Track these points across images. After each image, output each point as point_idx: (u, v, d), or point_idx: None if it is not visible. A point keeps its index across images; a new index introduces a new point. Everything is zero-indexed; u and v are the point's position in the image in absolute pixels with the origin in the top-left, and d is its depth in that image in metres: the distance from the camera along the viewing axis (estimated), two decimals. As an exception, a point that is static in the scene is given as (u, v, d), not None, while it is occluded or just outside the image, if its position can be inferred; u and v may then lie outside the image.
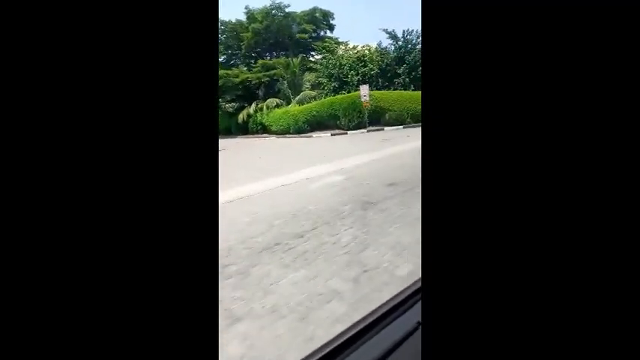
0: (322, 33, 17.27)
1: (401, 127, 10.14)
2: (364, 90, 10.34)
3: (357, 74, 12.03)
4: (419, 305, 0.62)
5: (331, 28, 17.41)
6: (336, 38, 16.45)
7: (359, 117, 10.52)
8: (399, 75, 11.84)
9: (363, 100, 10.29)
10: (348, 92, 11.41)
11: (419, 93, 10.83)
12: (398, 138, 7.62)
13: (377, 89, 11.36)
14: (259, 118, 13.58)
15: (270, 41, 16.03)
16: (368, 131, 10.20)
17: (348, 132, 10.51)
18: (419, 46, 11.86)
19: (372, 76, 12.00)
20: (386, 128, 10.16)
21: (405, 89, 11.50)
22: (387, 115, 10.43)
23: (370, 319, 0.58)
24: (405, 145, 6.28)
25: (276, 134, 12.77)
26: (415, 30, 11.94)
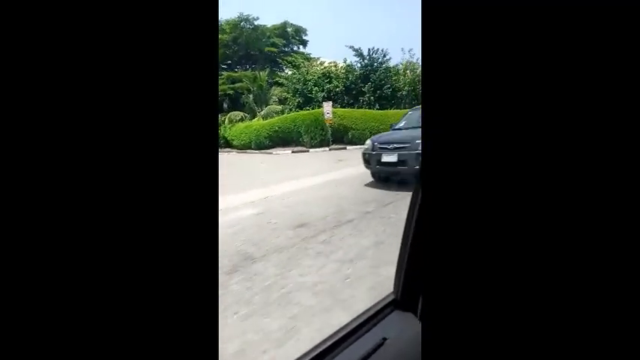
0: (295, 48, 17.00)
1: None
2: (327, 107, 9.83)
3: (322, 90, 11.54)
4: (385, 321, 0.64)
5: (304, 43, 17.20)
6: (308, 54, 16.17)
7: (322, 134, 9.97)
8: (364, 93, 11.43)
9: (326, 117, 9.77)
10: (313, 109, 10.89)
11: (383, 112, 10.43)
12: (353, 159, 7.08)
13: (342, 107, 10.89)
14: (222, 132, 12.80)
15: (240, 53, 15.50)
16: (330, 149, 9.64)
17: (310, 150, 9.91)
18: (384, 65, 11.61)
19: (337, 93, 11.54)
20: (349, 147, 9.63)
21: (370, 108, 11.06)
22: (349, 133, 9.94)
23: (337, 337, 0.58)
24: (352, 169, 5.71)
25: (238, 149, 12.00)
26: (381, 49, 11.66)
